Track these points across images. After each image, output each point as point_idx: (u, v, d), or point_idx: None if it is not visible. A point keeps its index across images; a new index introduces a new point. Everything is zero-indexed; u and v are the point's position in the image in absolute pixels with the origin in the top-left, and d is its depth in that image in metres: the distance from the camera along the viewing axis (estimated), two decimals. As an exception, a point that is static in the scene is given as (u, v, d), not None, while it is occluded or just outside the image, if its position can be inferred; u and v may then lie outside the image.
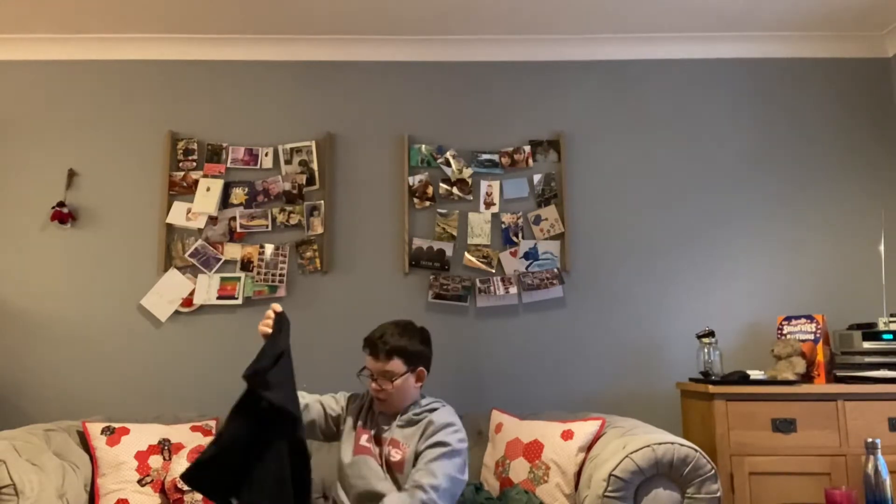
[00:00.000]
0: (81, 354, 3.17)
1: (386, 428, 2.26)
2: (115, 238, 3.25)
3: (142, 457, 2.58)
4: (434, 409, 2.26)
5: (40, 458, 2.31)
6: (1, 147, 3.31)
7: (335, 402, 2.39)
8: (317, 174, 3.31)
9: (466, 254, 3.27)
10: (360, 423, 2.31)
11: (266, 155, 3.33)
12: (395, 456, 2.19)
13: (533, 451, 2.54)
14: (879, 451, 2.09)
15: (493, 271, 3.26)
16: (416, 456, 2.17)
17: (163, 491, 2.53)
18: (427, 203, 3.30)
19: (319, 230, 3.26)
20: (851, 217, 3.31)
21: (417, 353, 2.27)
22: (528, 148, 3.35)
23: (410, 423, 2.24)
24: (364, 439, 2.25)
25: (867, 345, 2.83)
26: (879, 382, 2.71)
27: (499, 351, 3.22)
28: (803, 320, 2.98)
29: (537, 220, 3.30)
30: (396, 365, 2.22)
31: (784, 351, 2.86)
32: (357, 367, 2.31)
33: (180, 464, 2.51)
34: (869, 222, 3.30)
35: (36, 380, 3.15)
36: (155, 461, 2.59)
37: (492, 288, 3.22)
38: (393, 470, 2.18)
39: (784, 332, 3.02)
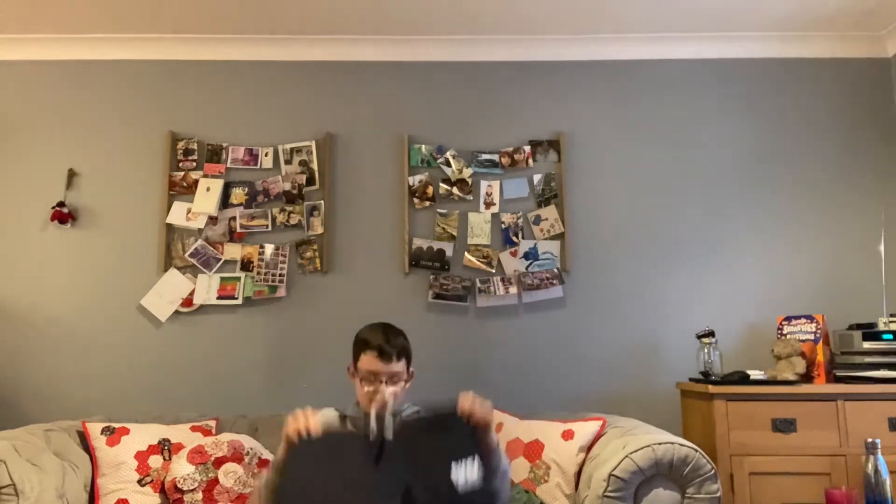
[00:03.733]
0: (81, 354, 3.17)
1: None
2: (115, 238, 3.25)
3: (142, 457, 2.58)
4: (414, 407, 2.17)
5: (40, 458, 2.31)
6: (1, 147, 3.31)
7: None
8: (317, 174, 3.31)
9: (466, 254, 3.27)
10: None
11: (266, 155, 3.33)
12: None
13: (533, 450, 2.54)
14: (879, 451, 2.09)
15: (493, 271, 3.26)
16: None
17: (163, 491, 2.53)
18: (427, 203, 3.30)
19: (319, 230, 3.26)
20: (851, 217, 3.31)
21: (411, 355, 2.20)
22: (528, 148, 3.35)
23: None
24: None
25: (867, 345, 2.82)
26: (879, 382, 2.71)
27: (499, 351, 3.22)
28: (803, 320, 2.98)
29: (537, 220, 3.30)
30: (402, 367, 2.13)
31: (784, 351, 2.86)
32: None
33: (180, 464, 2.51)
34: (869, 222, 3.30)
35: (36, 380, 3.15)
36: (155, 461, 2.58)
37: (492, 288, 3.22)
38: None
39: (784, 332, 3.02)
